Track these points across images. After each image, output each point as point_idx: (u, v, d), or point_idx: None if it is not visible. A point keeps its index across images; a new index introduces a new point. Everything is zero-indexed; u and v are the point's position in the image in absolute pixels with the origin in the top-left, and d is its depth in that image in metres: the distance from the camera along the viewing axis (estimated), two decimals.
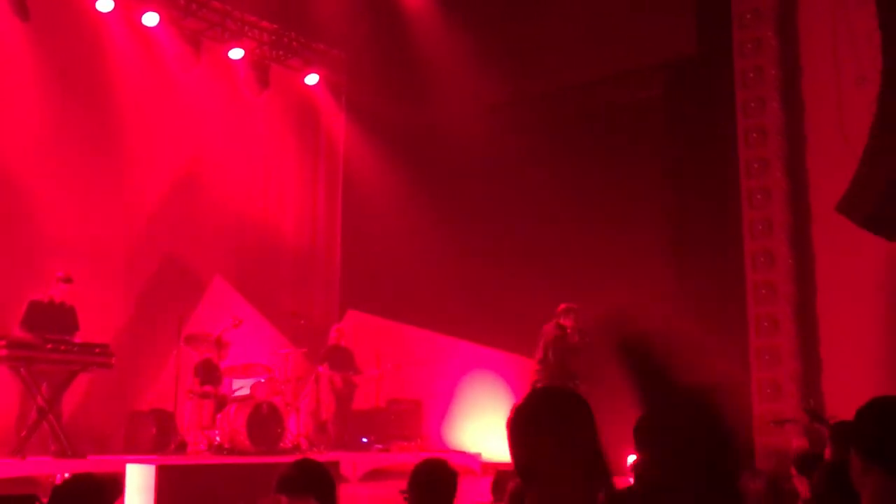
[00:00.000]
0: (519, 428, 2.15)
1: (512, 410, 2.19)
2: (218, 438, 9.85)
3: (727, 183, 10.86)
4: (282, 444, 10.01)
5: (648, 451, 3.71)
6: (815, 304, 10.25)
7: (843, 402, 2.52)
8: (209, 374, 10.39)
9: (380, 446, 11.37)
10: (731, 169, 10.80)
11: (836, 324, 10.07)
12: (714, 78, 11.15)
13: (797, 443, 9.30)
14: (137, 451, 9.83)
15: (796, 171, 10.49)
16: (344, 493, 3.49)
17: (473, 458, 11.19)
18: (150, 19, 12.17)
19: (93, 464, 8.50)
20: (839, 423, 4.39)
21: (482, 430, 11.83)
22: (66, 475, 5.46)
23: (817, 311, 10.22)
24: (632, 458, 5.69)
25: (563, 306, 9.83)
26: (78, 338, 9.24)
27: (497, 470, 7.92)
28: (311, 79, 14.26)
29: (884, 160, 9.39)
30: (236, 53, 13.21)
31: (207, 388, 10.22)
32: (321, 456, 9.22)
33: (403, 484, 3.95)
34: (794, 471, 5.26)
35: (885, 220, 9.51)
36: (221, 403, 10.12)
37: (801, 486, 5.09)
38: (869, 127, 9.46)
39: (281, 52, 14.00)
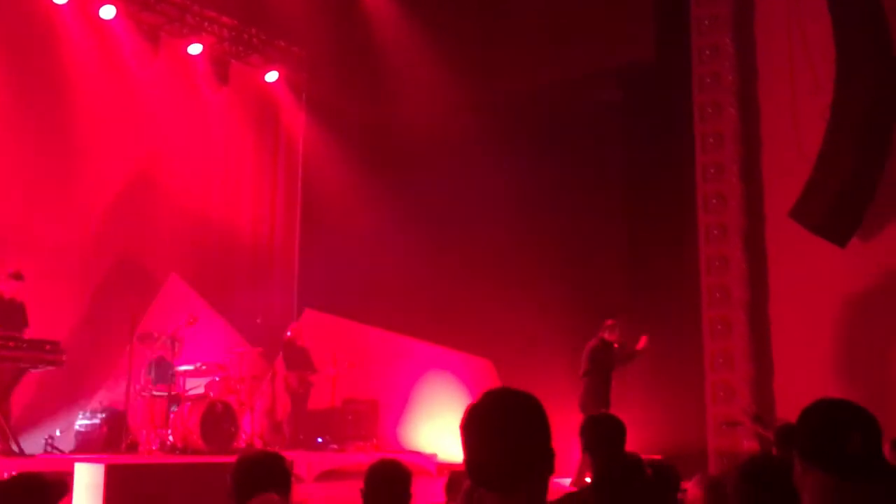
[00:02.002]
0: (472, 429, 2.13)
1: (466, 411, 2.17)
2: (171, 438, 9.73)
3: (684, 187, 10.98)
4: (236, 444, 9.92)
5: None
6: (768, 307, 10.39)
7: (794, 405, 2.55)
8: (162, 372, 10.27)
9: (335, 446, 11.31)
10: (687, 173, 10.93)
11: (788, 327, 10.23)
12: (672, 83, 11.28)
13: (748, 445, 9.43)
14: (87, 451, 9.68)
15: (751, 176, 10.63)
16: (299, 492, 3.46)
17: (429, 459, 11.18)
18: (107, 12, 11.97)
19: (41, 462, 8.36)
20: (783, 426, 4.46)
21: (438, 430, 11.83)
22: (12, 474, 5.36)
23: (770, 315, 10.37)
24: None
25: (608, 322, 9.85)
26: (28, 334, 9.07)
27: (451, 470, 7.93)
28: (272, 76, 14.14)
29: (836, 168, 9.57)
30: (195, 49, 13.06)
31: (160, 386, 10.09)
32: None
33: (359, 484, 3.93)
34: None
35: (836, 227, 9.69)
36: (175, 402, 10.00)
37: None
38: (822, 134, 9.63)
39: (241, 49, 13.87)
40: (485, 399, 2.17)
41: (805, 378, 9.51)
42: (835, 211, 9.63)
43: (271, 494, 3.18)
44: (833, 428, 2.39)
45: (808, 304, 10.04)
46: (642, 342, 9.59)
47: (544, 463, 2.08)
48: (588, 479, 8.10)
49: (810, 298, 10.03)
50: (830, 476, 2.33)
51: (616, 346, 9.74)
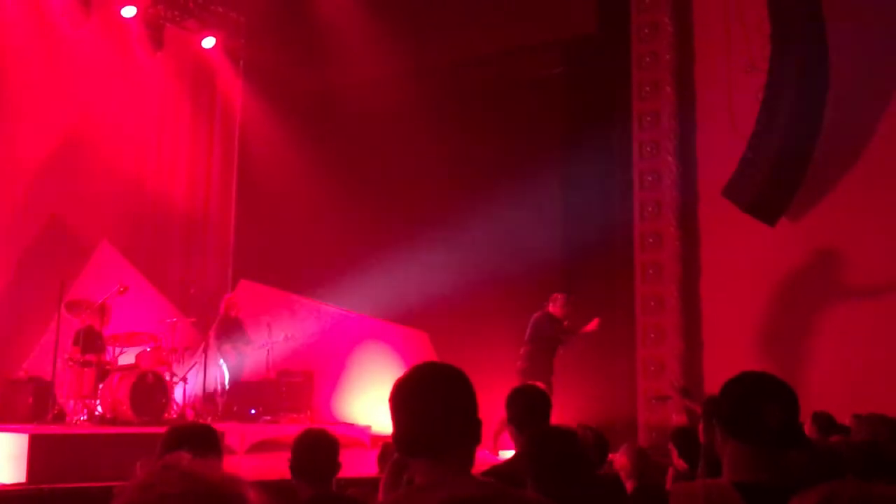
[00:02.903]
0: (399, 400, 2.20)
1: (394, 385, 2.23)
2: (100, 408, 9.56)
3: (621, 162, 11.09)
4: (167, 415, 9.78)
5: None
6: (700, 284, 10.59)
7: (722, 379, 2.62)
8: (91, 342, 10.05)
9: (268, 418, 11.24)
10: (624, 149, 11.03)
11: (717, 304, 10.44)
12: (612, 59, 11.34)
13: (677, 419, 9.63)
14: (13, 421, 9.46)
15: (686, 154, 10.78)
16: (230, 464, 3.43)
17: (363, 431, 11.19)
18: None
19: None
20: (709, 399, 4.56)
21: (373, 402, 11.81)
22: None
23: (701, 292, 10.57)
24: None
25: (555, 295, 9.81)
26: None
27: (384, 442, 7.95)
28: (208, 42, 13.85)
29: (768, 148, 9.75)
30: (129, 11, 12.70)
31: (89, 356, 9.88)
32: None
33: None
34: (671, 445, 5.45)
35: (766, 207, 9.88)
36: (104, 373, 9.81)
37: (677, 460, 5.29)
38: (756, 114, 9.79)
39: (176, 13, 13.54)
40: (411, 372, 2.25)
41: (733, 353, 9.73)
42: (766, 190, 9.82)
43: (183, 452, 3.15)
44: (752, 399, 2.46)
45: (737, 282, 10.26)
46: (593, 324, 9.60)
47: (469, 432, 2.15)
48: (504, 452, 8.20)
49: (740, 276, 10.24)
50: (748, 445, 2.40)
51: (565, 322, 9.73)
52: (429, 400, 2.16)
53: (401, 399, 2.19)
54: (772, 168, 9.77)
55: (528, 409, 4.12)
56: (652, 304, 10.59)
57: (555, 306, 9.73)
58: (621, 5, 11.17)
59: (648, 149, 10.84)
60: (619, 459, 5.06)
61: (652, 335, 10.53)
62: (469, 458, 2.16)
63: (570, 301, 9.71)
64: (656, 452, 6.65)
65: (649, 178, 10.78)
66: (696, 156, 10.80)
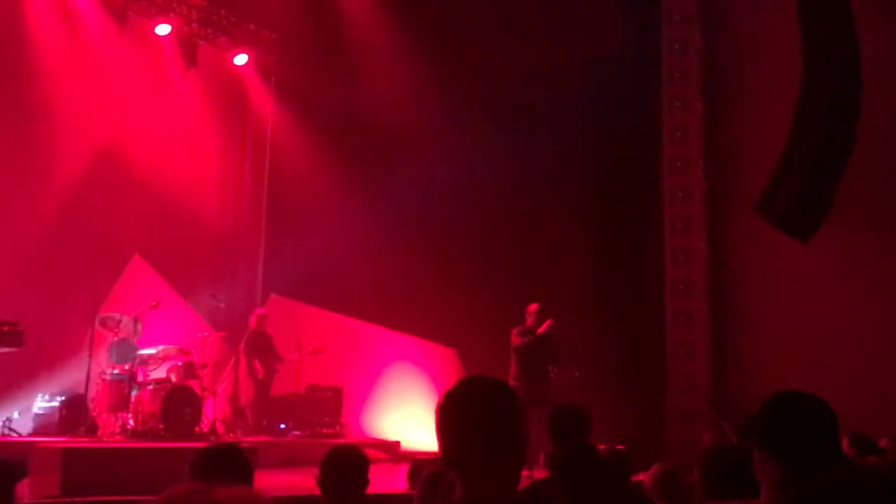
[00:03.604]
0: (444, 412, 2.15)
1: (440, 398, 2.19)
2: (131, 422, 9.64)
3: (651, 179, 11.04)
4: (197, 430, 9.84)
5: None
6: (730, 300, 10.50)
7: (755, 396, 2.59)
8: (124, 355, 10.15)
9: (298, 433, 11.27)
10: (654, 166, 10.99)
11: (750, 320, 10.34)
12: (642, 75, 11.31)
13: (708, 436, 9.53)
14: (46, 434, 9.56)
15: (716, 170, 10.71)
16: (260, 479, 3.43)
17: (393, 447, 11.18)
18: None
19: None
20: (743, 417, 4.51)
21: (402, 418, 11.84)
22: None
23: (732, 307, 10.47)
24: None
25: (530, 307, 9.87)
26: None
27: (413, 458, 7.94)
28: (240, 59, 14.01)
29: (800, 164, 9.64)
30: (163, 29, 12.90)
31: (121, 370, 9.98)
32: (238, 442, 9.09)
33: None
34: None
35: (799, 222, 9.77)
36: (136, 386, 9.89)
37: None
38: (787, 130, 9.71)
39: (209, 31, 13.72)
40: (457, 385, 2.20)
41: (766, 370, 9.63)
42: (798, 206, 9.70)
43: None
44: (791, 418, 2.43)
45: (770, 297, 10.16)
46: (544, 326, 9.62)
47: (511, 448, 2.11)
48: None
49: (772, 291, 10.14)
50: (788, 465, 2.37)
51: (538, 331, 9.74)
52: (471, 413, 2.12)
53: (444, 411, 2.15)
54: (804, 184, 9.66)
55: (563, 426, 4.10)
56: (682, 319, 10.52)
57: (529, 318, 9.76)
58: (651, 23, 11.14)
59: (678, 164, 10.80)
60: (649, 481, 5.01)
61: (682, 351, 10.45)
62: (510, 475, 2.12)
63: (541, 311, 9.70)
64: (687, 469, 6.58)
65: (679, 194, 10.73)
66: (726, 171, 10.73)
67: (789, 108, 9.72)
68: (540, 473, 8.26)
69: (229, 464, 3.35)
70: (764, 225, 9.81)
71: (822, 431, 2.40)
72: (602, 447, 4.90)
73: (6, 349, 8.94)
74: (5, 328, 8.80)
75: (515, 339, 9.78)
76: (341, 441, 10.49)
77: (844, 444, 5.45)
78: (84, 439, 9.23)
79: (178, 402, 9.61)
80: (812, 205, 9.75)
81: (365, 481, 3.87)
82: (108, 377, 9.89)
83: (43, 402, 10.24)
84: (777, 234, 9.78)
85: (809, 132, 9.61)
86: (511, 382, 9.03)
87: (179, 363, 10.32)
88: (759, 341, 10.16)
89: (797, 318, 10.11)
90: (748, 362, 10.20)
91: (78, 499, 6.32)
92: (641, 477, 5.44)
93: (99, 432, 9.64)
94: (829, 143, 9.60)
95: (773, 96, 10.29)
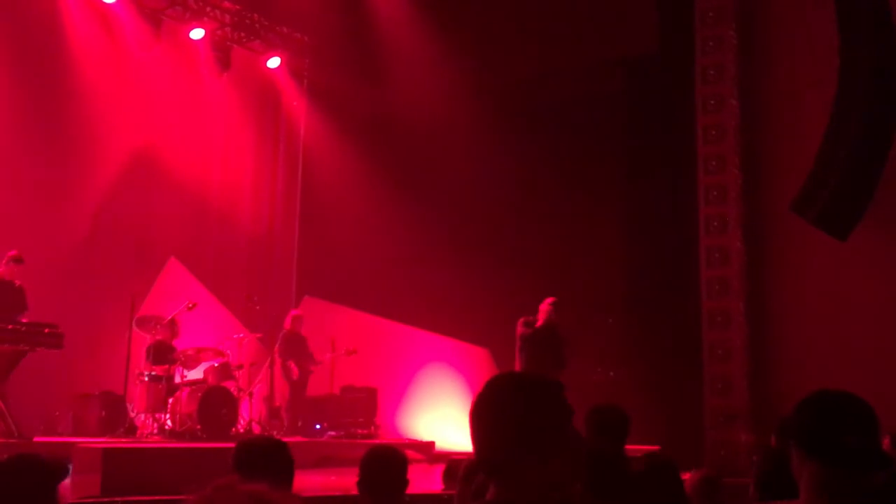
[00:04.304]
0: (474, 414, 2.03)
1: (475, 397, 2.06)
2: (169, 422, 9.75)
3: (685, 178, 10.96)
4: (233, 430, 9.93)
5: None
6: (767, 299, 10.39)
7: (793, 397, 2.56)
8: (161, 357, 10.27)
9: (333, 433, 11.33)
10: (689, 164, 10.90)
11: (787, 320, 10.22)
12: (675, 74, 11.23)
13: (745, 437, 9.46)
14: (85, 434, 9.69)
15: (752, 168, 10.61)
16: (295, 479, 3.45)
17: (428, 447, 11.20)
18: None
19: (39, 446, 8.37)
20: (784, 419, 4.46)
21: (437, 419, 11.86)
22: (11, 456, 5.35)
23: (769, 308, 10.36)
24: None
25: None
26: (27, 318, 9.08)
27: (449, 458, 7.94)
28: (273, 62, 14.11)
29: (837, 161, 9.54)
30: (197, 33, 13.02)
31: (159, 371, 10.10)
32: None
33: (356, 471, 3.92)
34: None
35: (837, 221, 9.66)
36: (173, 387, 10.01)
37: None
38: (824, 127, 9.61)
39: (243, 34, 13.84)
40: (487, 384, 2.07)
41: (804, 370, 9.52)
42: (836, 204, 9.60)
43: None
44: (831, 419, 2.40)
45: (807, 297, 10.04)
46: (541, 319, 9.54)
47: (553, 448, 1.97)
48: None
49: (810, 291, 10.03)
50: (827, 466, 2.34)
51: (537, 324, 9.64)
52: (499, 414, 2.00)
53: (474, 412, 2.03)
54: (841, 181, 9.56)
55: (601, 427, 4.07)
56: (719, 319, 10.42)
57: (540, 312, 9.67)
58: (684, 20, 11.06)
59: (714, 163, 10.70)
60: (689, 486, 4.97)
61: (719, 351, 10.35)
62: (549, 475, 1.96)
63: (552, 304, 9.60)
64: (725, 471, 6.53)
65: (715, 193, 10.63)
66: (762, 170, 10.62)
67: (826, 105, 9.62)
68: None
69: (270, 457, 3.38)
70: (801, 223, 9.71)
71: (860, 430, 2.36)
72: (633, 450, 4.86)
73: (47, 351, 9.07)
74: (45, 330, 8.93)
75: (519, 329, 9.64)
76: (376, 441, 10.53)
77: (886, 443, 5.39)
78: (123, 440, 9.35)
79: (215, 403, 9.71)
80: (849, 202, 9.65)
81: (405, 482, 3.88)
82: (145, 378, 10.02)
83: (83, 403, 10.40)
84: (814, 232, 9.68)
85: (847, 129, 9.51)
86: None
87: (216, 364, 10.43)
88: (797, 341, 10.04)
89: (836, 317, 9.98)
90: (786, 362, 10.08)
91: (118, 498, 6.40)
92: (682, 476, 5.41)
93: (138, 433, 9.77)
94: (866, 140, 9.50)
95: (810, 93, 10.17)
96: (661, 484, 3.43)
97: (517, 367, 9.46)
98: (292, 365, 11.58)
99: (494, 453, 1.98)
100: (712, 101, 10.80)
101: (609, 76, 11.52)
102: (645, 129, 11.52)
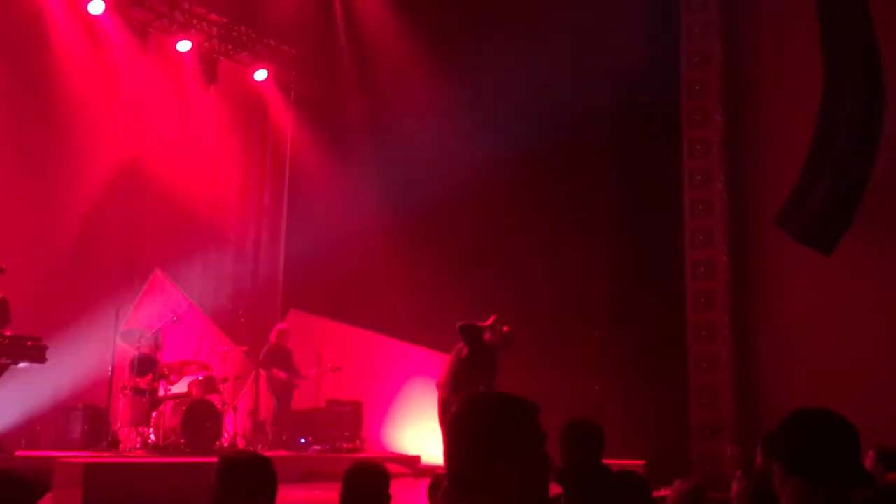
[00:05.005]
0: (448, 434, 2.04)
1: (450, 414, 2.06)
2: (152, 436, 9.68)
3: (671, 192, 10.99)
4: (218, 444, 9.87)
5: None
6: (753, 312, 10.42)
7: (778, 411, 2.57)
8: (145, 370, 10.21)
9: (318, 447, 11.27)
10: (675, 178, 10.94)
11: (772, 333, 10.25)
12: (662, 89, 11.27)
13: (731, 450, 9.46)
14: (68, 448, 9.61)
15: (738, 182, 10.66)
16: (280, 493, 3.43)
17: (413, 461, 11.16)
18: (96, 7, 11.93)
19: (21, 460, 8.30)
20: (768, 436, 4.47)
21: (423, 432, 11.80)
22: None
23: (754, 321, 10.39)
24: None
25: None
26: (9, 330, 9.00)
27: (433, 473, 7.91)
28: (260, 74, 14.11)
29: (822, 176, 9.58)
30: (184, 46, 13.01)
31: (143, 384, 10.03)
32: None
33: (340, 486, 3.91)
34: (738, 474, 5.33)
35: (821, 235, 9.70)
36: (157, 401, 9.94)
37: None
38: (809, 142, 9.65)
39: (230, 47, 13.84)
40: (471, 402, 2.07)
41: (789, 384, 9.54)
42: (820, 219, 9.64)
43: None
44: (813, 435, 2.41)
45: (793, 309, 10.08)
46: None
47: (519, 472, 1.96)
48: None
49: (796, 303, 10.06)
50: (808, 483, 2.35)
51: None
52: (471, 436, 2.00)
53: (448, 433, 2.04)
54: (826, 197, 9.60)
55: (572, 443, 4.05)
56: (704, 332, 10.44)
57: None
58: (671, 35, 11.11)
59: (699, 177, 10.74)
60: (672, 498, 4.96)
61: (704, 364, 10.36)
62: (514, 492, 1.96)
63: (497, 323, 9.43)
64: (710, 485, 6.52)
65: (700, 207, 10.67)
66: (748, 184, 10.67)
67: (811, 120, 9.68)
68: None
69: (255, 474, 3.36)
70: (786, 237, 9.75)
71: (840, 447, 2.38)
72: (617, 464, 4.85)
73: (29, 364, 9.00)
74: (28, 343, 8.87)
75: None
76: (361, 455, 10.48)
77: (871, 458, 5.40)
78: (106, 454, 9.27)
79: (199, 417, 9.65)
80: (833, 218, 9.68)
81: (386, 497, 3.86)
82: (129, 392, 9.95)
83: (65, 417, 10.32)
84: (800, 245, 9.71)
85: (831, 144, 9.55)
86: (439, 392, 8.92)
87: (200, 378, 10.37)
88: (782, 353, 10.07)
89: (821, 330, 10.01)
90: (772, 375, 10.10)
91: None
92: (664, 493, 5.40)
93: (121, 447, 9.69)
94: (851, 155, 9.54)
95: (795, 108, 10.23)
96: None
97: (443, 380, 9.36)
98: (277, 372, 11.46)
99: (466, 468, 1.97)
100: (697, 116, 10.86)
101: (596, 89, 11.54)
102: (631, 143, 11.55)
